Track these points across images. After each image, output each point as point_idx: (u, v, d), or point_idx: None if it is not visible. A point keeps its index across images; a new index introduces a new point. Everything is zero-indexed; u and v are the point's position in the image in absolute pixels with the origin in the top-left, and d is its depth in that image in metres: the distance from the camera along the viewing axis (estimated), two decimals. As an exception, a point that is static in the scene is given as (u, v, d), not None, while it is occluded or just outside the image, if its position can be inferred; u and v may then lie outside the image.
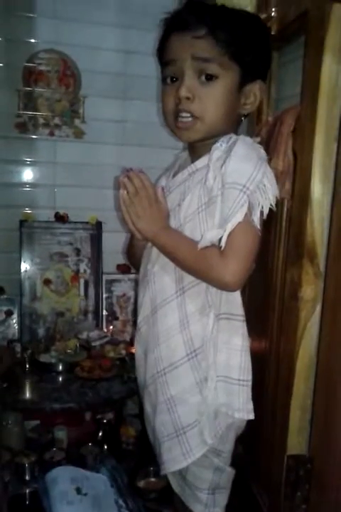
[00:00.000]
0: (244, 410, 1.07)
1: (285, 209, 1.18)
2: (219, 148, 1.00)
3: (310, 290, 1.07)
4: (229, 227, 0.95)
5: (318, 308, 1.07)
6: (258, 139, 1.09)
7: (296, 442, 1.11)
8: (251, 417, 1.08)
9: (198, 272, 1.02)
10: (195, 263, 1.01)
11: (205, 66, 0.98)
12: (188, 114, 1.00)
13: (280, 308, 1.19)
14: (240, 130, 1.11)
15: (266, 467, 1.25)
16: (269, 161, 1.14)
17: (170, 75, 1.03)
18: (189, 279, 1.05)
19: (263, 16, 1.24)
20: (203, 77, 0.99)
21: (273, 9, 1.22)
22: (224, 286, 1.01)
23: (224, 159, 0.98)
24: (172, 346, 1.07)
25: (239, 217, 0.94)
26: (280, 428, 1.16)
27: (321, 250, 1.05)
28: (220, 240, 0.96)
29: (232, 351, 1.07)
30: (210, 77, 0.99)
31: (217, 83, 0.99)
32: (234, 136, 1.02)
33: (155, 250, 1.09)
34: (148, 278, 1.12)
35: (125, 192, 1.03)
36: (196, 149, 1.09)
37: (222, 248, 0.96)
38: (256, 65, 1.03)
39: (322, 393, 1.06)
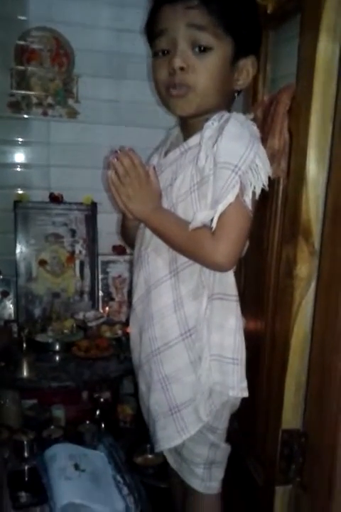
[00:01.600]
0: (237, 388, 1.09)
1: (280, 188, 1.19)
2: (210, 126, 0.99)
3: (305, 268, 1.08)
4: (221, 208, 0.95)
5: (313, 285, 1.08)
6: (252, 116, 1.08)
7: (291, 417, 1.13)
8: (245, 394, 1.11)
9: (190, 253, 1.03)
10: (186, 244, 1.02)
11: (199, 35, 0.97)
12: (179, 85, 0.99)
13: (276, 286, 1.21)
14: (235, 109, 1.11)
15: (261, 442, 1.28)
16: (265, 140, 1.16)
17: (161, 48, 1.01)
18: (182, 260, 1.05)
19: (259, -7, 1.23)
20: (197, 49, 0.98)
21: (269, -14, 1.21)
22: (215, 267, 1.02)
23: (216, 138, 0.97)
24: (166, 326, 1.09)
25: (230, 198, 0.94)
26: (275, 403, 1.18)
27: (316, 229, 1.06)
28: (212, 220, 0.97)
29: (226, 331, 1.08)
30: (204, 49, 0.97)
31: (211, 55, 0.98)
32: (226, 114, 1.01)
33: (148, 231, 1.09)
34: (141, 259, 1.13)
35: (113, 173, 1.01)
36: (188, 126, 1.08)
37: (213, 229, 0.97)
38: (250, 40, 1.03)
39: (316, 369, 1.08)
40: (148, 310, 1.12)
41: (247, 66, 1.04)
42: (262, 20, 1.25)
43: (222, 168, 0.95)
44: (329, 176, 1.03)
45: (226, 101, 1.07)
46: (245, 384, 1.10)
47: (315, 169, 1.04)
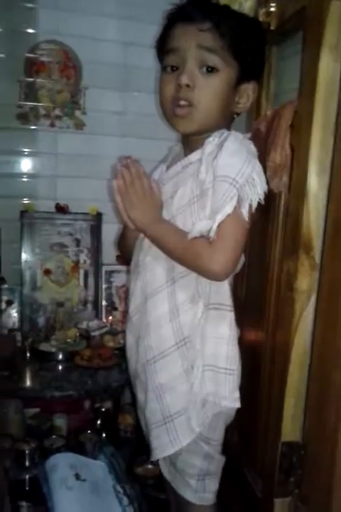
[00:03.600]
0: (230, 398, 1.11)
1: (282, 202, 1.20)
2: (211, 142, 1.04)
3: (306, 281, 1.09)
4: (219, 218, 0.98)
5: (313, 298, 1.09)
6: (249, 135, 1.13)
7: (290, 429, 1.13)
8: (238, 405, 1.12)
9: (188, 262, 1.05)
10: (184, 253, 1.04)
11: (208, 57, 1.01)
12: (185, 103, 1.03)
13: (277, 298, 1.22)
14: (236, 126, 1.13)
15: (261, 453, 1.28)
16: (268, 153, 1.17)
17: (170, 64, 1.05)
18: (180, 269, 1.07)
19: (262, 10, 1.26)
20: (204, 69, 1.02)
21: (272, 4, 1.23)
22: (212, 276, 1.04)
23: (216, 153, 1.01)
24: (162, 335, 1.10)
25: (228, 209, 0.98)
26: (275, 415, 1.18)
27: (317, 243, 1.07)
28: (209, 231, 1.00)
29: (220, 340, 1.10)
30: (211, 70, 1.02)
31: (217, 76, 1.03)
32: (226, 132, 1.06)
33: (147, 241, 1.12)
34: (139, 268, 1.15)
35: (121, 180, 1.04)
36: (189, 143, 1.12)
37: (211, 239, 0.99)
38: (254, 66, 1.08)
39: (315, 382, 1.09)
40: (144, 319, 1.13)
41: (248, 90, 1.09)
42: (266, 37, 1.28)
43: (221, 181, 0.98)
44: (330, 191, 1.05)
45: (226, 121, 1.11)
46: (237, 394, 1.12)
47: (316, 184, 1.05)
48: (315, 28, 1.04)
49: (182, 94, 1.03)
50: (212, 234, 0.99)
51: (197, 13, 1.01)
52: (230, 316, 1.10)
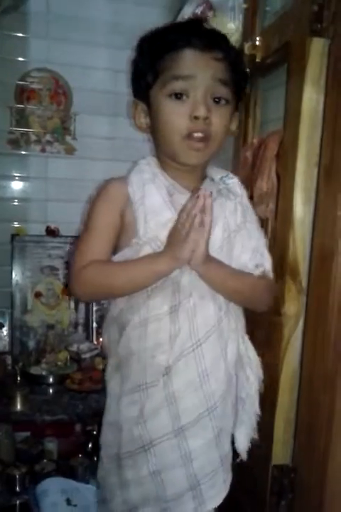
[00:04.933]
0: None
1: (269, 228, 1.23)
2: (234, 181, 1.08)
3: (293, 306, 1.11)
4: (268, 258, 1.08)
5: (301, 323, 1.12)
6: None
7: (280, 453, 1.15)
8: None
9: (253, 299, 1.09)
10: (253, 291, 1.07)
11: (221, 90, 0.98)
12: (202, 135, 0.98)
13: (265, 323, 1.24)
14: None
15: (252, 477, 1.29)
16: (254, 181, 1.21)
17: (178, 91, 0.98)
18: (224, 306, 1.05)
19: (248, 43, 1.30)
20: (212, 100, 0.98)
21: (258, 38, 1.28)
22: (266, 309, 1.11)
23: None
24: (219, 377, 1.04)
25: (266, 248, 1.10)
26: (265, 439, 1.20)
27: (303, 268, 1.10)
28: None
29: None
30: (219, 100, 0.99)
31: (227, 107, 1.01)
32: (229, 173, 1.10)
33: (185, 280, 1.01)
34: (178, 312, 1.01)
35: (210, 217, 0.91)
36: (182, 172, 1.06)
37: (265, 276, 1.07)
38: (242, 96, 1.09)
39: (305, 405, 1.11)
40: (197, 367, 1.01)
41: (236, 118, 1.10)
42: (251, 68, 1.33)
43: (252, 222, 1.08)
44: (314, 217, 1.08)
45: None
46: None
47: (301, 211, 1.08)
48: (298, 62, 1.08)
49: (200, 126, 0.97)
50: (271, 272, 1.07)
51: (209, 40, 0.97)
52: None
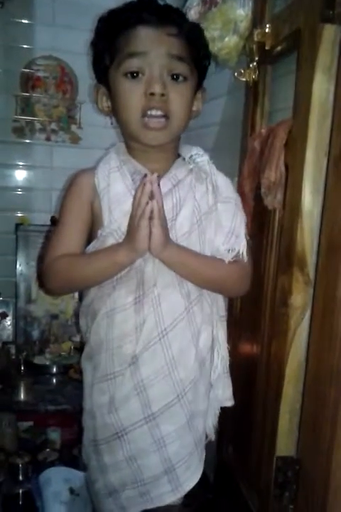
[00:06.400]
0: (231, 399, 1.20)
1: (276, 218, 1.22)
2: (204, 162, 1.05)
3: (300, 297, 1.10)
4: (244, 242, 1.06)
5: (307, 314, 1.10)
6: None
7: (285, 444, 1.14)
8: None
9: (226, 285, 1.08)
10: (227, 276, 1.06)
11: (177, 65, 0.97)
12: (160, 112, 0.96)
13: (271, 314, 1.23)
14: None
15: (256, 468, 1.28)
16: (262, 171, 1.19)
17: (133, 70, 0.96)
18: (195, 292, 1.04)
19: (257, 31, 1.28)
20: (170, 76, 0.97)
21: (268, 25, 1.25)
22: (242, 294, 1.14)
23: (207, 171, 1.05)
24: (188, 365, 1.04)
25: (243, 231, 1.07)
26: (269, 430, 1.19)
27: (311, 259, 1.09)
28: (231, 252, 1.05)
29: (225, 347, 1.15)
30: (177, 77, 0.98)
31: (186, 84, 0.99)
32: (195, 148, 1.08)
33: (149, 270, 1.00)
34: (143, 302, 1.01)
35: (160, 201, 0.90)
36: (150, 153, 1.04)
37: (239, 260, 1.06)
38: (205, 74, 1.07)
39: (310, 397, 1.10)
40: (163, 355, 1.02)
41: (200, 98, 1.08)
42: (260, 56, 1.31)
43: (226, 202, 1.04)
44: (323, 209, 1.06)
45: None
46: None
47: (310, 201, 1.07)
48: (309, 50, 1.06)
49: (156, 103, 0.95)
50: (245, 255, 1.05)
51: (163, 16, 0.96)
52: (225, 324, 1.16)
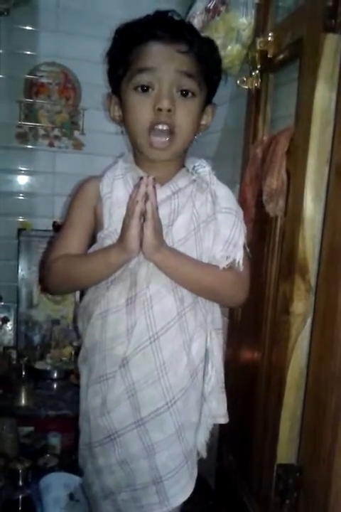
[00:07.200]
0: (225, 416, 1.16)
1: (278, 225, 1.22)
2: (206, 172, 1.05)
3: (301, 305, 1.10)
4: (241, 251, 1.04)
5: (309, 322, 1.11)
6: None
7: (286, 451, 1.14)
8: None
9: (220, 291, 1.07)
10: (219, 283, 1.05)
11: (186, 82, 0.99)
12: (166, 127, 0.98)
13: (273, 321, 1.23)
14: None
15: (256, 476, 1.28)
16: (264, 178, 1.20)
17: (143, 84, 0.99)
18: (189, 298, 1.04)
19: (260, 39, 1.29)
20: (179, 92, 0.99)
21: (270, 34, 1.27)
22: (238, 303, 1.15)
23: (208, 181, 1.05)
24: (179, 372, 1.03)
25: (242, 240, 1.05)
26: (270, 438, 1.19)
27: (312, 266, 1.09)
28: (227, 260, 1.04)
29: (220, 361, 1.13)
30: (186, 93, 1.00)
31: (194, 100, 1.01)
32: (198, 160, 1.08)
33: (143, 273, 1.01)
34: (135, 304, 1.01)
35: (154, 203, 0.92)
36: (156, 165, 1.05)
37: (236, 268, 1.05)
38: (216, 89, 1.08)
39: (311, 405, 1.10)
40: (153, 359, 1.01)
41: (210, 112, 1.09)
42: (263, 64, 1.32)
43: (226, 212, 1.04)
44: (325, 216, 1.07)
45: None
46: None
47: (311, 209, 1.07)
48: (311, 59, 1.07)
49: (163, 118, 0.98)
50: (241, 264, 1.04)
51: (174, 32, 0.98)
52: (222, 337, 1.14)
